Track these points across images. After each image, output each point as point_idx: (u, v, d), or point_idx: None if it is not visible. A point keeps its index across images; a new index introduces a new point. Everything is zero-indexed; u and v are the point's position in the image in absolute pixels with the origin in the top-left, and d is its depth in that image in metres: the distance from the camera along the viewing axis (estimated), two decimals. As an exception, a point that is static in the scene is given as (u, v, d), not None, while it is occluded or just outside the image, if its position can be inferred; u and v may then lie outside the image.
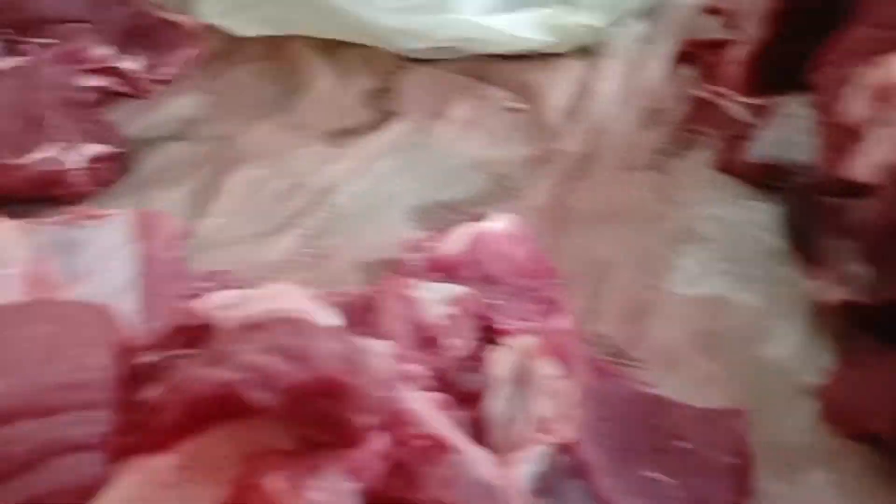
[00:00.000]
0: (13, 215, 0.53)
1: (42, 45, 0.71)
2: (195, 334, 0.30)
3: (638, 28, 0.69)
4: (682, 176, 0.55)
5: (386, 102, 0.69)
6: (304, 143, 0.65)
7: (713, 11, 0.69)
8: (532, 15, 0.66)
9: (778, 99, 0.55)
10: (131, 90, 0.73)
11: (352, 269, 0.52)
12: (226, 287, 0.35)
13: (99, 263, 0.50)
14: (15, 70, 0.67)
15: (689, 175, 0.55)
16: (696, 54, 0.67)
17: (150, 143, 0.68)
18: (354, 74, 0.72)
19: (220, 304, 0.31)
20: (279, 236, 0.56)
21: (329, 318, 0.31)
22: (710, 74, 0.64)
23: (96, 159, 0.62)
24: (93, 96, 0.70)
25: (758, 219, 0.51)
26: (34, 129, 0.61)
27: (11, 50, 0.71)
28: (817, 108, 0.48)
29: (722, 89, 0.59)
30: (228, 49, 0.78)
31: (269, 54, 0.77)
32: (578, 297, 0.47)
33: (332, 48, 0.75)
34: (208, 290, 0.37)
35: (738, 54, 0.61)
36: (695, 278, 0.50)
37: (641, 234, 0.51)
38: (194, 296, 0.34)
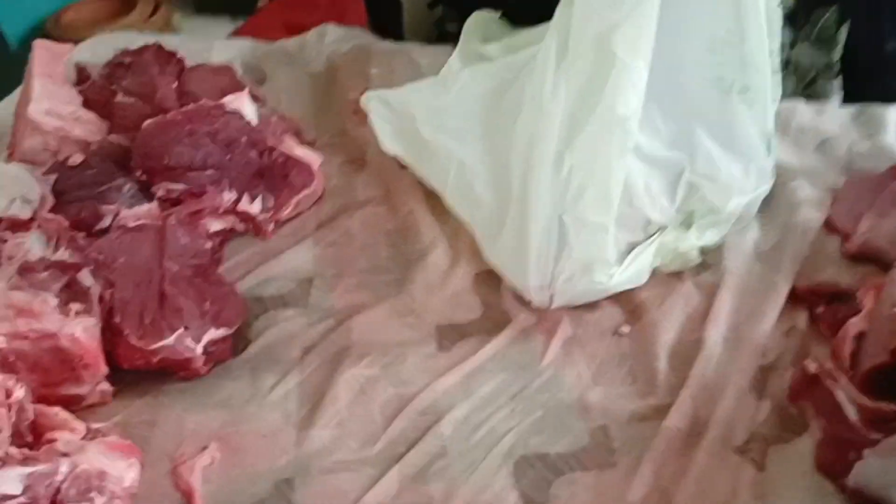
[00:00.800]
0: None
1: (170, 194, 0.73)
2: None
3: (753, 238, 0.70)
4: (780, 473, 0.56)
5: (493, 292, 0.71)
6: (415, 341, 0.67)
7: (833, 230, 0.69)
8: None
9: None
10: (253, 230, 0.76)
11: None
12: None
13: None
14: (142, 228, 0.69)
15: (786, 473, 0.56)
16: (811, 302, 0.66)
17: (263, 305, 0.71)
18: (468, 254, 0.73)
19: None
20: (382, 468, 0.59)
21: None
22: (824, 332, 0.64)
23: (214, 342, 0.65)
24: (215, 256, 0.72)
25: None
26: (164, 314, 0.64)
27: (143, 195, 0.74)
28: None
29: (833, 369, 0.59)
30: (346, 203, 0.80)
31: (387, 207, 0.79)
32: None
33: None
34: None
35: (855, 330, 0.61)
36: None
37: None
38: None
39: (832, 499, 0.54)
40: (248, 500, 0.57)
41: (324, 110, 0.90)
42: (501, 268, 0.69)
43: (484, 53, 0.82)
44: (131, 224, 0.69)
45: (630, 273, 0.65)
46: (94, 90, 0.80)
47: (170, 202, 0.73)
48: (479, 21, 0.86)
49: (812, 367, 0.60)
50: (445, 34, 1.08)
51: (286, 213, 0.78)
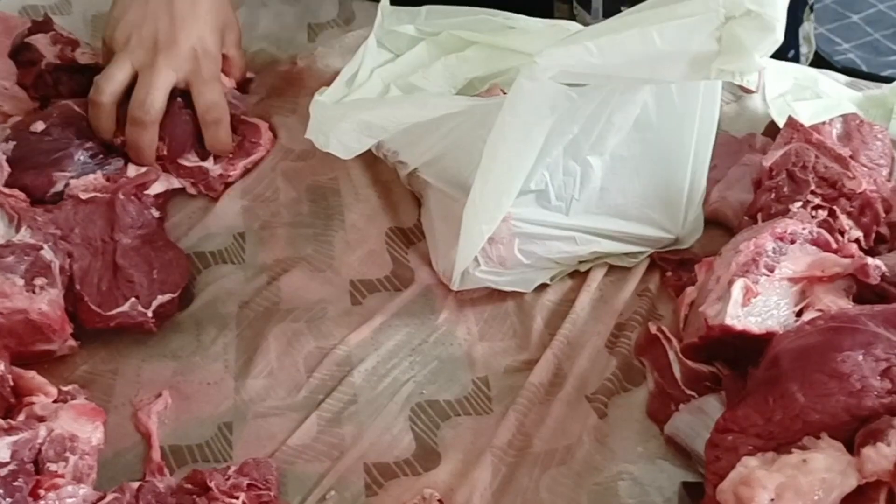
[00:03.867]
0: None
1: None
2: None
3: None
4: (618, 418, 0.71)
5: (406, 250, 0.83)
6: (333, 297, 0.80)
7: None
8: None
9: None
10: (203, 190, 0.87)
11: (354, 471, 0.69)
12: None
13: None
14: (93, 202, 0.80)
15: (623, 418, 0.71)
16: (663, 266, 0.80)
17: (206, 260, 0.83)
18: (381, 214, 0.85)
19: None
20: (304, 413, 0.72)
21: None
22: (671, 294, 0.78)
23: (162, 304, 0.77)
24: (160, 218, 0.83)
25: (666, 485, 0.67)
26: (117, 284, 0.76)
27: (93, 162, 0.84)
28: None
29: (669, 331, 0.73)
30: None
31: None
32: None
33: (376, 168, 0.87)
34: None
35: (689, 299, 0.74)
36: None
37: (576, 486, 0.68)
38: None
39: (656, 442, 0.69)
40: (196, 441, 0.71)
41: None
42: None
43: (405, 34, 0.87)
44: (83, 196, 0.80)
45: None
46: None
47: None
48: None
49: (653, 328, 0.73)
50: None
51: (234, 174, 0.88)
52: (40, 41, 0.91)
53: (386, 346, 0.76)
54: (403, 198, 0.86)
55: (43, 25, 0.94)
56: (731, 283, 0.65)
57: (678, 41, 0.63)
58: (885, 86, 0.90)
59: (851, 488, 0.55)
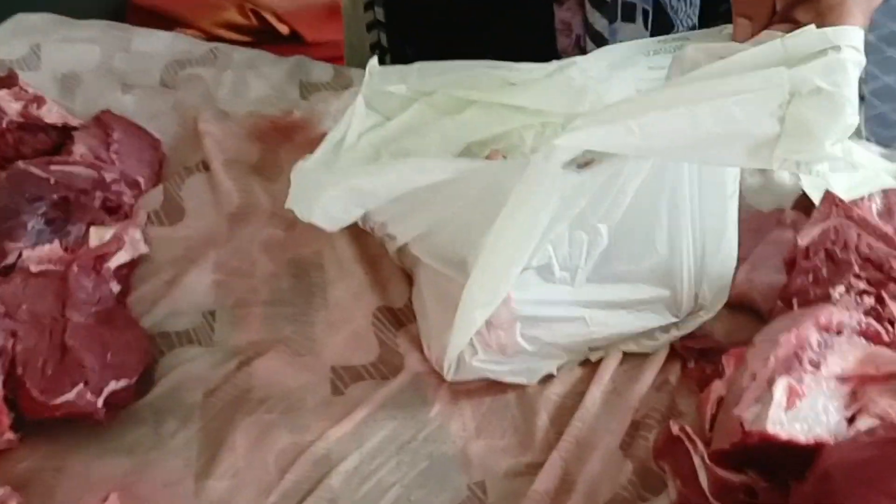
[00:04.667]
0: None
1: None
2: None
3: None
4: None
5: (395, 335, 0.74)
6: (311, 384, 0.71)
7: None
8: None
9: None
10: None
11: None
12: None
13: None
14: (45, 274, 0.71)
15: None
16: (684, 355, 0.71)
17: (170, 342, 0.74)
18: (368, 292, 0.76)
19: None
20: (275, 523, 0.63)
21: None
22: (694, 388, 0.69)
23: (115, 392, 0.68)
24: (122, 292, 0.75)
25: None
26: (65, 368, 0.67)
27: (49, 230, 0.75)
28: None
29: (693, 432, 0.63)
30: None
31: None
32: None
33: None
34: None
35: (716, 395, 0.65)
36: None
37: None
38: None
39: (681, 562, 0.59)
40: (148, 554, 0.62)
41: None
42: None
43: (396, 95, 0.80)
44: (34, 268, 0.71)
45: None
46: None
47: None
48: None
49: (675, 428, 0.64)
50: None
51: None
52: (2, 97, 0.84)
53: (370, 442, 0.67)
54: (393, 274, 0.77)
55: (6, 80, 0.86)
56: (770, 381, 0.55)
57: (734, 122, 0.55)
58: (925, 158, 0.82)
59: None
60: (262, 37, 1.47)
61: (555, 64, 0.77)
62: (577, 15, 0.92)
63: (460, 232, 0.67)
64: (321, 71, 0.99)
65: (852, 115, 0.55)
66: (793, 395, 0.55)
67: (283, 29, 1.51)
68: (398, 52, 0.96)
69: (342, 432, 0.67)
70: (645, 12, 0.91)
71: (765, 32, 0.62)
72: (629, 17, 0.92)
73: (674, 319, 0.70)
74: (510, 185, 0.61)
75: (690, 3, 0.92)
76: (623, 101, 0.64)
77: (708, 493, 0.60)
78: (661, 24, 0.91)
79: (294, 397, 0.70)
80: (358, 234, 0.79)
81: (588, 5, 0.91)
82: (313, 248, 0.80)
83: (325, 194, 0.68)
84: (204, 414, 0.69)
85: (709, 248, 0.70)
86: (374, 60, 0.78)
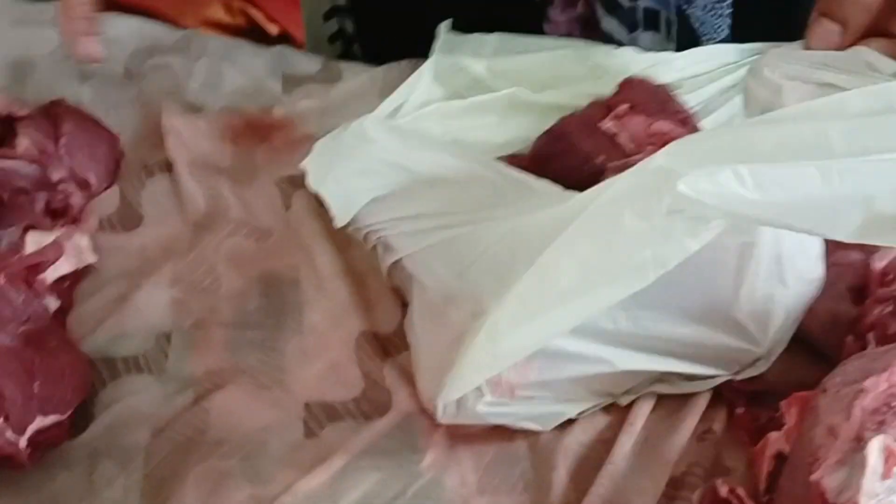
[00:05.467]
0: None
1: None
2: None
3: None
4: None
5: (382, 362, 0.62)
6: (280, 424, 0.59)
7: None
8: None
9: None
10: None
11: None
12: None
13: None
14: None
15: None
16: (731, 399, 0.59)
17: (114, 370, 0.62)
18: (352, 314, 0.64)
19: None
20: None
21: None
22: (743, 438, 0.57)
23: (42, 431, 0.56)
24: (61, 308, 0.63)
25: None
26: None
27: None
28: None
29: (745, 496, 0.51)
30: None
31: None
32: None
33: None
34: None
35: (775, 449, 0.53)
36: None
37: None
38: None
39: None
40: None
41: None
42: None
43: (471, 72, 0.69)
44: (-45, 281, 0.59)
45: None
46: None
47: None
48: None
49: (724, 489, 0.52)
50: (350, 54, 0.96)
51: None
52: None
53: (347, 498, 0.55)
54: (383, 293, 0.65)
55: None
56: (859, 439, 0.43)
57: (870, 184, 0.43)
58: None
59: None
60: (250, 37, 1.36)
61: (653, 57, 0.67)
62: (566, 12, 0.82)
63: (482, 249, 0.55)
64: (307, 62, 0.87)
65: None
66: (891, 460, 0.43)
67: (273, 29, 1.40)
68: (369, 42, 0.86)
69: (314, 485, 0.55)
70: (669, 22, 0.81)
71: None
72: (652, 25, 0.82)
73: (729, 375, 0.58)
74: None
75: (719, 14, 0.82)
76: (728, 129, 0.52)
77: (766, 574, 0.49)
78: (685, 36, 0.81)
79: (257, 440, 0.58)
80: (344, 245, 0.68)
81: (600, 9, 0.80)
82: (289, 262, 0.68)
83: (344, 162, 0.57)
84: (148, 458, 0.57)
85: (785, 283, 0.57)
86: (447, 24, 0.67)
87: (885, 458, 0.43)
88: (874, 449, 0.43)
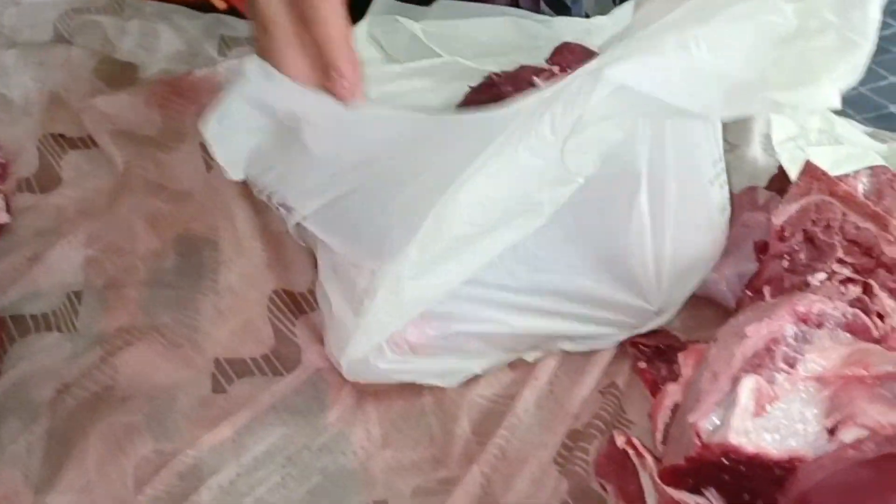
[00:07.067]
0: None
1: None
2: None
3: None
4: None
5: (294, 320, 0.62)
6: (188, 380, 0.59)
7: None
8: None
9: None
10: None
11: None
12: None
13: None
14: None
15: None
16: (635, 354, 0.59)
17: (25, 327, 0.62)
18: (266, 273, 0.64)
19: None
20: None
21: None
22: (646, 392, 0.57)
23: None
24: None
25: None
26: None
27: None
28: None
29: (642, 446, 0.52)
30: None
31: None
32: None
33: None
34: None
35: (671, 401, 0.54)
36: None
37: None
38: None
39: None
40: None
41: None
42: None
43: (406, 34, 0.69)
44: None
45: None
46: None
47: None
48: None
49: (620, 440, 0.53)
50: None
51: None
52: None
53: (252, 452, 0.55)
54: (299, 253, 0.65)
55: None
56: (735, 381, 0.44)
57: (720, 54, 0.45)
58: (915, 138, 0.72)
59: None
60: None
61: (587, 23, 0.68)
62: None
63: (380, 204, 0.55)
64: (243, 26, 0.86)
65: (863, 56, 0.44)
66: (762, 399, 0.43)
67: (221, 4, 1.38)
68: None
69: (219, 439, 0.55)
70: None
71: None
72: None
73: (629, 332, 0.59)
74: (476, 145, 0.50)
75: None
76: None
77: (657, 518, 0.49)
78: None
79: (164, 396, 0.58)
80: (263, 206, 0.67)
81: None
82: (208, 224, 0.68)
83: (238, 103, 0.57)
84: (53, 414, 0.57)
85: (684, 244, 0.58)
86: None
87: (757, 397, 0.43)
88: (745, 388, 0.44)
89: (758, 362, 0.45)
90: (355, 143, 0.55)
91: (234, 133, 0.59)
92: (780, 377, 0.45)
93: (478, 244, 0.50)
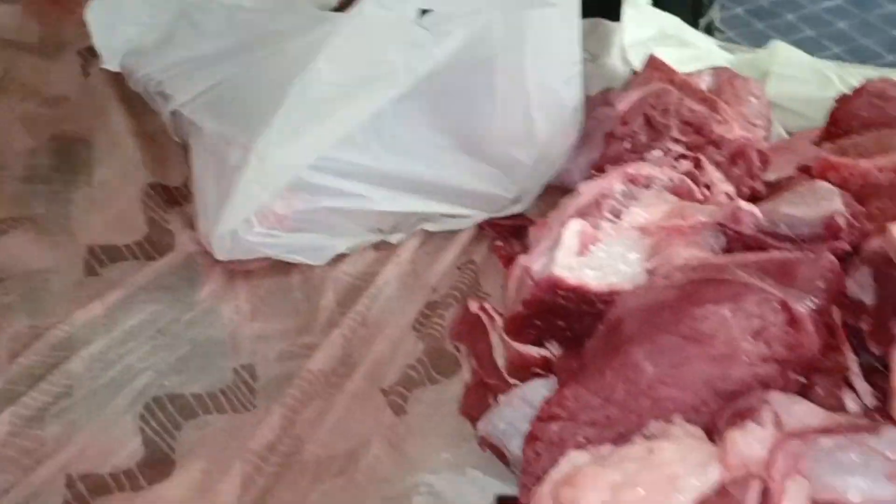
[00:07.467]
0: None
1: None
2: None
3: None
4: (421, 416, 0.53)
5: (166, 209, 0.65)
6: (62, 265, 0.61)
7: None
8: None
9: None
10: None
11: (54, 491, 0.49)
12: None
13: None
14: None
15: (427, 416, 0.53)
16: (492, 233, 0.63)
17: None
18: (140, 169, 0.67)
19: None
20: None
21: None
22: (503, 269, 0.61)
23: None
24: None
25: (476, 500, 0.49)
26: None
27: None
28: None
29: (493, 309, 0.56)
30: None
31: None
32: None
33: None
34: None
35: (521, 270, 0.58)
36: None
37: (357, 502, 0.49)
38: None
39: (468, 446, 0.52)
40: None
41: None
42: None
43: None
44: None
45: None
46: None
47: None
48: None
49: (474, 305, 0.56)
50: None
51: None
52: None
53: (122, 326, 0.58)
54: (174, 150, 0.68)
55: None
56: (563, 226, 0.48)
57: None
58: (759, 49, 0.77)
59: (713, 486, 0.38)
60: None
61: None
62: None
63: (256, 89, 0.58)
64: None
65: None
66: (586, 240, 0.48)
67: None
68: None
69: (90, 315, 0.58)
70: None
71: None
72: None
73: (488, 216, 0.62)
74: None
75: None
76: None
77: (504, 372, 0.53)
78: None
79: (38, 279, 0.60)
80: (139, 109, 0.69)
81: None
82: (83, 125, 0.70)
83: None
84: (-75, 294, 0.58)
85: (539, 135, 0.62)
86: None
87: (582, 238, 0.48)
88: (570, 230, 0.48)
89: (586, 212, 0.49)
90: (234, 33, 0.57)
91: (116, 23, 0.61)
92: (604, 224, 0.49)
93: (339, 110, 0.53)
